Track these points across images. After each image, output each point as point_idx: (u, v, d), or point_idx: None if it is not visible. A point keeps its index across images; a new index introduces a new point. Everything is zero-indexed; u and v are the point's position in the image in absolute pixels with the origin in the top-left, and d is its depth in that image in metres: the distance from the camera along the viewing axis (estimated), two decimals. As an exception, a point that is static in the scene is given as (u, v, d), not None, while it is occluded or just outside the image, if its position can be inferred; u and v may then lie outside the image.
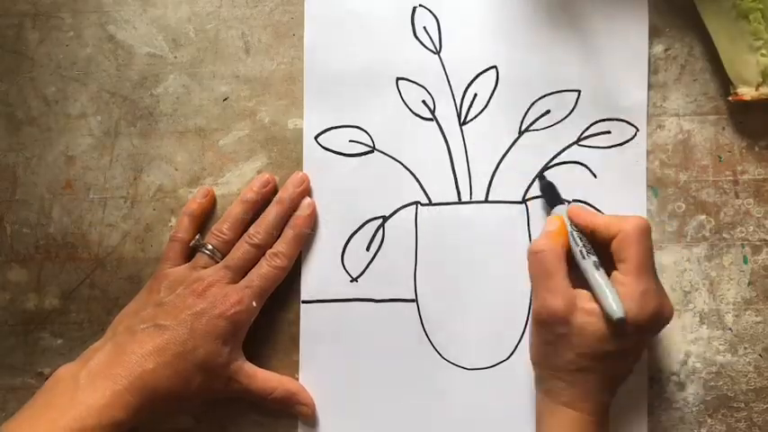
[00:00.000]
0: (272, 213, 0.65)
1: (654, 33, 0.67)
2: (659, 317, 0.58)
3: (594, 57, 0.67)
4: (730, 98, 0.65)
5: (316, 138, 0.68)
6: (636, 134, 0.66)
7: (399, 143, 0.67)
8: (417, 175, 0.67)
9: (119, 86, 0.68)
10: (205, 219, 0.67)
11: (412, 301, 0.67)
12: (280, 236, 0.65)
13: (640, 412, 0.65)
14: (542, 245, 0.60)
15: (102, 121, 0.68)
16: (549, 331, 0.59)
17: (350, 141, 0.68)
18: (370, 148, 0.67)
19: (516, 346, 0.66)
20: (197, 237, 0.65)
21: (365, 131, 0.68)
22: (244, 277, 0.64)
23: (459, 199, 0.67)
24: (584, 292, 0.59)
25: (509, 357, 0.66)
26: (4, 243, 0.68)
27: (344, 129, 0.68)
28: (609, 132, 0.66)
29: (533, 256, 0.61)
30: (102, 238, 0.68)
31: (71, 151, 0.68)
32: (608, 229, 0.60)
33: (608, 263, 0.59)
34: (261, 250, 0.65)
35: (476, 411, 0.66)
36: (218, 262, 0.64)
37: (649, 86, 0.67)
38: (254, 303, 0.64)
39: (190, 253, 0.66)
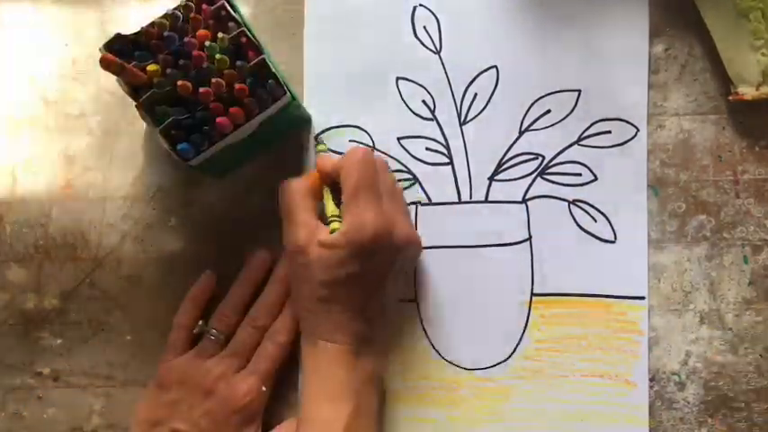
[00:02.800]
0: (272, 293, 0.66)
1: (654, 33, 0.67)
2: (380, 237, 0.59)
3: (594, 56, 0.67)
4: (731, 98, 0.65)
5: (316, 137, 0.68)
6: (636, 134, 0.66)
7: (399, 143, 0.67)
8: (417, 175, 0.67)
9: (118, 86, 0.68)
10: (208, 304, 0.66)
11: (412, 301, 0.67)
12: (278, 313, 0.65)
13: (641, 412, 0.65)
14: (290, 182, 0.63)
15: (101, 120, 0.68)
16: (294, 263, 0.61)
17: (350, 141, 0.68)
18: (370, 148, 0.67)
19: (516, 347, 0.66)
20: (200, 322, 0.65)
21: (365, 131, 0.68)
22: (249, 361, 0.64)
23: (459, 199, 0.67)
24: (325, 226, 0.61)
25: (509, 357, 0.66)
26: (4, 243, 0.68)
27: (344, 129, 0.68)
28: (609, 132, 0.66)
29: (282, 192, 0.63)
30: (102, 237, 0.68)
31: (71, 151, 0.68)
32: (335, 167, 0.62)
33: None
34: (263, 331, 0.65)
35: (476, 413, 0.65)
36: (222, 346, 0.64)
37: (650, 86, 0.67)
38: (264, 388, 0.64)
39: (194, 339, 0.65)
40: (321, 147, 0.67)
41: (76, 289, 0.68)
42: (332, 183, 0.63)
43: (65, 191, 0.68)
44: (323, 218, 0.62)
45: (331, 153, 0.67)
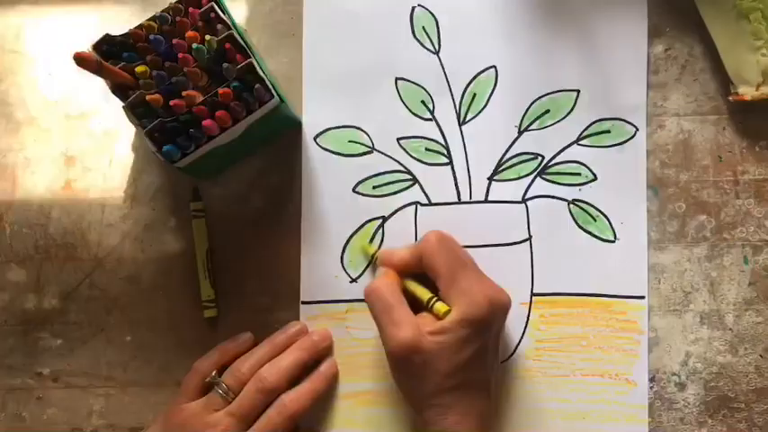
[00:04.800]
0: (289, 359, 0.64)
1: (654, 33, 0.67)
2: (492, 306, 0.58)
3: (594, 56, 0.67)
4: (731, 98, 0.65)
5: (315, 138, 0.68)
6: (636, 133, 0.66)
7: (399, 143, 0.67)
8: (417, 176, 0.67)
9: (118, 86, 0.68)
10: (233, 361, 0.65)
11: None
12: (291, 380, 0.64)
13: (641, 411, 0.65)
14: (376, 283, 0.61)
15: (101, 120, 0.68)
16: (408, 364, 0.59)
17: (349, 142, 0.68)
18: (369, 149, 0.67)
19: (516, 347, 0.66)
20: (214, 374, 0.64)
21: (364, 132, 0.68)
22: (252, 423, 0.63)
23: (459, 199, 0.67)
24: (424, 314, 0.60)
25: (509, 357, 0.66)
26: (4, 243, 0.68)
27: (344, 129, 0.68)
28: (608, 132, 0.66)
29: (370, 296, 0.61)
30: (102, 238, 0.68)
31: (71, 151, 0.68)
32: (415, 255, 0.61)
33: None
34: (269, 395, 0.63)
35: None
36: (230, 401, 0.63)
37: (650, 86, 0.67)
38: None
39: (206, 387, 0.64)
40: (370, 249, 0.66)
41: (76, 289, 0.68)
42: (406, 275, 0.63)
43: (65, 191, 0.68)
44: (416, 307, 0.61)
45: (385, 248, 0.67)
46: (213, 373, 0.64)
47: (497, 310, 0.59)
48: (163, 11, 0.60)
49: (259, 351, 0.65)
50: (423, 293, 0.61)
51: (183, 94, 0.57)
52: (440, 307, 0.59)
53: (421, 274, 0.62)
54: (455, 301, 0.58)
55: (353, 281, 0.67)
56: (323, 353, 0.66)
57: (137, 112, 0.59)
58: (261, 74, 0.59)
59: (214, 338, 0.66)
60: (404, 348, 0.58)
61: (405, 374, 0.60)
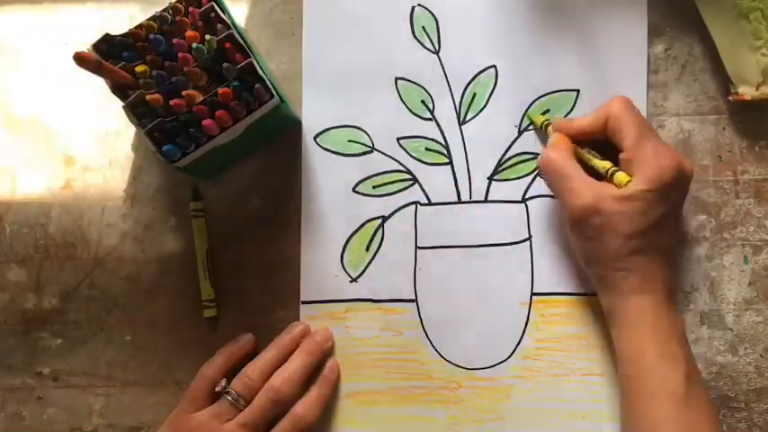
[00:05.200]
0: (297, 364, 0.64)
1: (654, 33, 0.67)
2: (680, 171, 0.58)
3: (594, 56, 0.67)
4: (731, 98, 0.65)
5: (315, 138, 0.68)
6: (636, 134, 0.66)
7: (399, 143, 0.67)
8: (417, 176, 0.67)
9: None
10: (240, 364, 0.65)
11: (412, 301, 0.67)
12: (301, 386, 0.64)
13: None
14: (549, 154, 0.61)
15: (101, 120, 0.68)
16: (587, 227, 0.59)
17: (349, 141, 0.68)
18: (369, 148, 0.67)
19: (516, 346, 0.66)
20: (223, 381, 0.64)
21: (364, 131, 0.68)
22: None
23: (459, 199, 0.67)
24: (606, 182, 0.60)
25: (509, 357, 0.66)
26: (4, 243, 0.68)
27: (344, 129, 0.68)
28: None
29: (547, 166, 0.61)
30: (102, 237, 0.68)
31: (71, 151, 0.68)
32: (597, 118, 0.61)
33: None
34: (281, 405, 0.63)
35: (476, 412, 0.65)
36: (241, 409, 0.63)
37: (650, 86, 0.67)
38: None
39: (215, 395, 0.64)
40: (545, 119, 0.66)
41: (76, 289, 0.68)
42: (586, 140, 0.62)
43: (65, 191, 0.68)
44: (594, 174, 0.60)
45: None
46: (223, 382, 0.63)
47: (683, 177, 0.59)
48: (163, 11, 0.60)
49: (266, 355, 0.65)
50: (601, 163, 0.61)
51: (183, 93, 0.57)
52: (621, 177, 0.59)
53: (597, 144, 0.62)
54: (642, 162, 0.58)
55: (353, 281, 0.67)
56: (327, 354, 0.66)
57: (137, 111, 0.59)
58: (261, 74, 0.59)
59: (214, 338, 0.66)
60: (584, 210, 0.58)
61: (586, 238, 0.60)
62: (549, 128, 0.64)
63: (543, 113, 0.67)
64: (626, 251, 0.58)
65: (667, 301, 0.59)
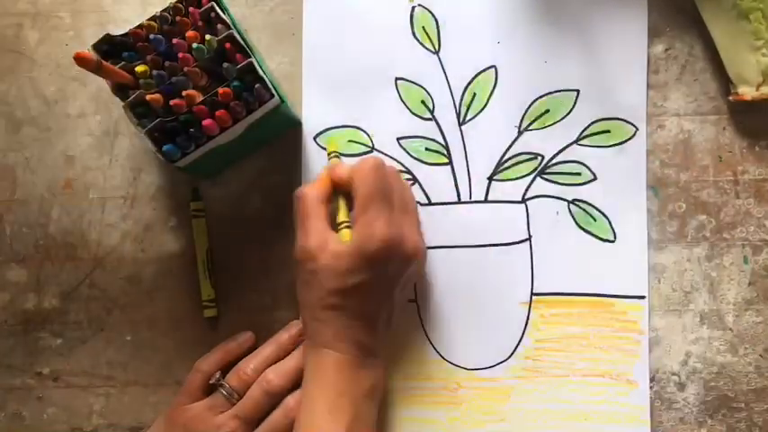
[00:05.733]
0: (294, 360, 0.64)
1: (654, 33, 0.67)
2: (390, 247, 0.59)
3: (594, 56, 0.67)
4: (731, 98, 0.65)
5: (315, 138, 0.68)
6: (635, 133, 0.66)
7: (399, 143, 0.67)
8: (417, 176, 0.67)
9: (118, 86, 0.68)
10: (236, 360, 0.65)
11: (412, 301, 0.67)
12: (296, 381, 0.64)
13: (642, 411, 0.65)
14: (304, 190, 0.62)
15: (101, 120, 0.68)
16: (304, 269, 0.60)
17: (349, 141, 0.68)
18: (369, 149, 0.67)
19: (516, 346, 0.66)
20: (218, 375, 0.64)
21: (364, 131, 0.68)
22: (257, 425, 0.63)
23: (459, 199, 0.67)
24: (334, 238, 0.60)
25: (509, 357, 0.66)
26: (4, 243, 0.68)
27: (344, 129, 0.68)
28: (608, 132, 0.66)
29: (295, 200, 0.62)
30: (102, 237, 0.68)
31: (71, 151, 0.68)
32: (349, 174, 0.62)
33: None
34: (275, 397, 0.63)
35: (476, 412, 0.65)
36: (234, 403, 0.63)
37: (650, 86, 0.67)
38: None
39: (209, 388, 0.65)
40: (334, 152, 0.66)
41: (76, 289, 0.68)
42: (344, 190, 0.62)
43: (65, 191, 0.68)
44: (334, 225, 0.61)
45: (342, 159, 0.66)
46: (217, 375, 0.64)
47: (393, 254, 0.59)
48: (163, 11, 0.60)
49: (263, 352, 0.65)
50: (341, 215, 0.62)
51: (183, 93, 0.57)
52: (344, 234, 0.60)
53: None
54: (357, 228, 0.59)
55: (353, 281, 0.67)
56: None
57: (137, 111, 0.59)
58: (261, 73, 0.59)
59: (214, 338, 0.66)
60: (304, 252, 0.60)
61: (300, 280, 0.61)
62: (331, 161, 0.65)
63: (543, 113, 0.67)
64: (324, 304, 0.59)
65: (354, 362, 0.60)
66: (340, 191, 0.62)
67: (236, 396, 0.63)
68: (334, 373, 0.59)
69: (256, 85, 0.59)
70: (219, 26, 0.60)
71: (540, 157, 0.67)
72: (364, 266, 0.58)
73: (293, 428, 0.60)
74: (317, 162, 0.67)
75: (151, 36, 0.59)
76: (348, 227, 0.60)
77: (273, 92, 0.59)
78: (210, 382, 0.64)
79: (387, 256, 0.59)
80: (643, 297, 0.66)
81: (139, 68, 0.58)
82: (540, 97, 0.67)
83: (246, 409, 0.63)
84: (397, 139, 0.67)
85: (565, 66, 0.67)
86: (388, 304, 0.61)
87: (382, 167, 0.61)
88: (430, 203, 0.67)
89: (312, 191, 0.62)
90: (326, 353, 0.59)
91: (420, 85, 0.67)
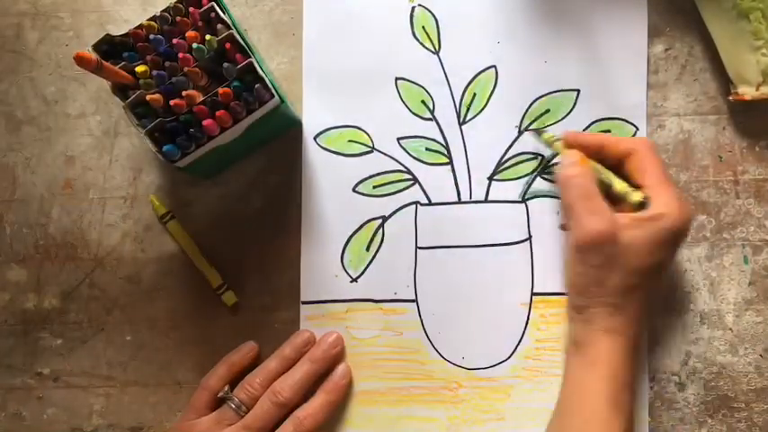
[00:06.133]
0: (301, 371, 0.64)
1: (654, 33, 0.67)
2: (690, 222, 0.59)
3: (594, 56, 0.67)
4: (731, 98, 0.65)
5: (315, 138, 0.68)
6: (635, 133, 0.66)
7: (399, 143, 0.67)
8: (417, 176, 0.67)
9: (118, 86, 0.68)
10: (242, 373, 0.65)
11: (412, 301, 0.67)
12: (304, 393, 0.64)
13: (641, 412, 0.65)
14: (574, 170, 0.60)
15: (101, 120, 0.68)
16: (596, 255, 0.57)
17: (349, 141, 0.68)
18: (369, 148, 0.67)
19: (516, 346, 0.66)
20: (226, 389, 0.64)
21: (364, 131, 0.68)
22: None
23: (459, 199, 0.67)
24: (619, 213, 0.58)
25: (509, 357, 0.66)
26: (4, 243, 0.68)
27: (344, 129, 0.68)
28: (608, 132, 0.66)
29: (569, 181, 0.59)
30: (102, 237, 0.68)
31: (71, 151, 0.68)
32: (617, 145, 0.60)
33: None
34: (284, 409, 0.63)
35: (476, 412, 0.66)
36: (242, 416, 0.63)
37: (650, 86, 0.67)
38: None
39: (217, 403, 0.64)
40: (551, 135, 0.64)
41: (76, 289, 0.68)
42: (610, 163, 0.61)
43: (65, 191, 0.68)
44: (608, 196, 0.59)
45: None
46: (226, 388, 0.64)
47: (689, 228, 0.59)
48: (163, 11, 0.60)
49: (269, 365, 0.65)
50: (618, 184, 0.60)
51: (183, 93, 0.57)
52: (637, 196, 0.58)
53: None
54: (662, 200, 0.57)
55: (353, 281, 0.67)
56: (335, 359, 0.66)
57: (137, 111, 0.59)
58: (261, 74, 0.59)
59: (214, 338, 0.67)
60: (599, 237, 0.57)
61: (588, 266, 0.58)
62: (557, 143, 0.63)
63: (543, 113, 0.67)
64: (625, 287, 0.57)
65: (635, 347, 0.58)
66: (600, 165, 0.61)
67: (243, 409, 0.63)
68: (621, 362, 0.57)
69: (256, 85, 0.59)
70: (219, 26, 0.60)
71: (540, 157, 0.67)
72: (672, 238, 0.57)
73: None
74: (316, 162, 0.67)
75: (151, 36, 0.59)
76: (635, 190, 0.59)
77: (273, 92, 0.59)
78: (219, 395, 0.64)
79: (687, 232, 0.59)
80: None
81: (139, 68, 0.58)
82: (541, 97, 0.67)
83: (256, 420, 0.62)
84: (398, 139, 0.67)
85: (565, 66, 0.67)
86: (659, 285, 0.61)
87: (656, 147, 0.61)
88: (430, 203, 0.67)
89: (582, 169, 0.60)
90: (613, 339, 0.57)
91: (420, 85, 0.67)
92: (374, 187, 0.67)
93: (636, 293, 0.57)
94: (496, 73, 0.67)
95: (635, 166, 0.59)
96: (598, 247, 0.57)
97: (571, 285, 0.60)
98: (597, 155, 0.61)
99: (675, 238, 0.58)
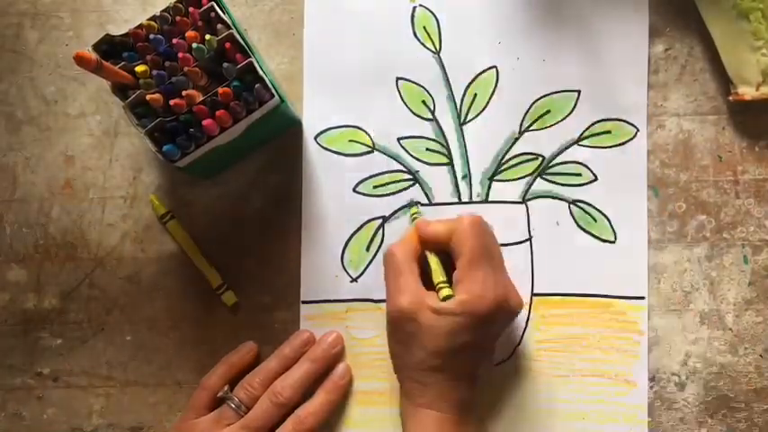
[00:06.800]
0: (301, 371, 0.64)
1: (654, 33, 0.67)
2: (500, 306, 0.59)
3: (594, 57, 0.67)
4: (731, 98, 0.65)
5: (315, 138, 0.68)
6: (636, 134, 0.66)
7: (399, 143, 0.67)
8: (417, 176, 0.67)
9: (118, 86, 0.68)
10: (241, 373, 0.65)
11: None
12: (304, 393, 0.64)
13: (640, 411, 0.65)
14: (394, 248, 0.62)
15: (101, 120, 0.68)
16: (400, 330, 0.60)
17: (349, 141, 0.68)
18: (369, 148, 0.67)
19: (516, 346, 0.66)
20: (225, 388, 0.64)
21: (365, 131, 0.67)
22: None
23: (459, 199, 0.67)
24: (434, 292, 0.60)
25: (509, 357, 0.66)
26: (4, 243, 0.68)
27: (344, 128, 0.68)
28: (609, 132, 0.66)
29: (386, 259, 0.62)
30: (102, 237, 0.68)
31: (70, 151, 0.68)
32: (447, 232, 0.61)
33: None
34: (284, 409, 0.63)
35: (476, 411, 0.65)
36: (242, 416, 0.63)
37: (650, 86, 0.67)
38: None
39: (216, 402, 0.64)
40: (415, 210, 0.66)
41: (76, 289, 0.68)
42: (437, 248, 0.62)
43: (65, 191, 0.68)
44: (428, 284, 0.61)
45: (425, 215, 0.65)
46: (225, 388, 0.64)
47: (501, 312, 0.59)
48: (163, 11, 0.60)
49: (268, 365, 0.65)
50: (437, 274, 0.61)
51: (183, 93, 0.57)
52: (445, 292, 0.59)
53: (447, 251, 0.62)
54: (465, 287, 0.58)
55: (353, 280, 0.67)
56: (335, 359, 0.66)
57: (137, 111, 0.59)
58: (261, 73, 0.59)
59: (214, 338, 0.67)
60: (400, 313, 0.59)
61: (395, 340, 0.61)
62: (416, 221, 0.64)
63: (544, 114, 0.67)
64: (426, 366, 0.59)
65: (457, 420, 0.59)
66: (430, 249, 0.62)
67: (243, 409, 0.63)
68: None
69: (256, 85, 0.59)
70: (219, 26, 0.60)
71: (540, 158, 0.67)
72: (471, 327, 0.58)
73: None
74: (317, 162, 0.67)
75: (151, 36, 0.59)
76: (446, 286, 0.60)
77: (273, 92, 0.59)
78: (219, 395, 0.64)
79: (496, 315, 0.59)
80: (643, 298, 0.66)
81: (139, 68, 0.58)
82: (541, 98, 0.67)
83: (256, 420, 0.62)
84: (398, 139, 0.67)
85: (565, 66, 0.67)
86: (487, 360, 0.63)
87: (482, 224, 0.61)
88: (430, 203, 0.67)
89: (402, 248, 0.61)
90: (428, 413, 0.59)
91: (421, 86, 0.67)
92: (374, 187, 0.67)
93: (440, 374, 0.59)
94: (497, 73, 0.67)
95: (453, 247, 0.60)
96: (399, 322, 0.60)
97: (391, 359, 0.63)
98: (437, 244, 0.62)
99: (478, 322, 0.58)
